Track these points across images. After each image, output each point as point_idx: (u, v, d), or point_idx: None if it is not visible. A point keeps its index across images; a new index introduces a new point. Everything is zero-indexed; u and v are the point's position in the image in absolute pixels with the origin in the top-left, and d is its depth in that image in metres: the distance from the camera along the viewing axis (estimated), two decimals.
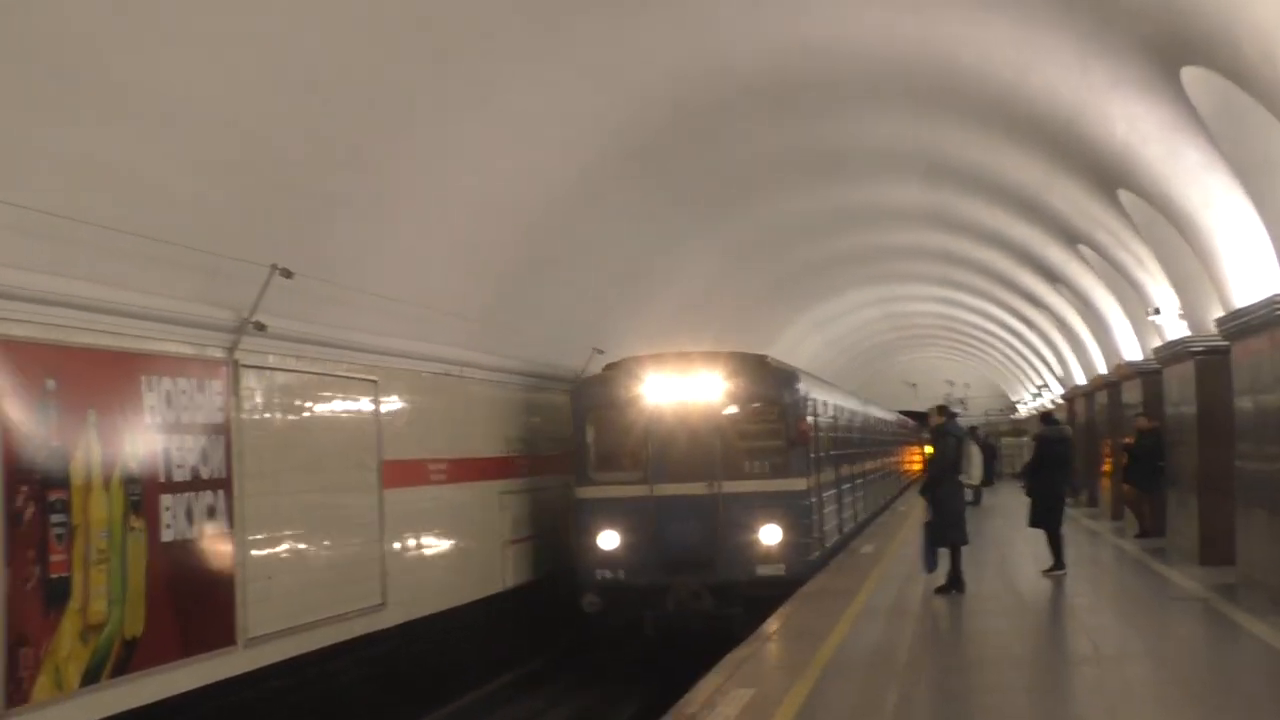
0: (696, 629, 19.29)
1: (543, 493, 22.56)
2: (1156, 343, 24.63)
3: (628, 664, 20.97)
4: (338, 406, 16.62)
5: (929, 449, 21.57)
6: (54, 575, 11.31)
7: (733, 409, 20.76)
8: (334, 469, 16.37)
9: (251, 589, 14.35)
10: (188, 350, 13.52)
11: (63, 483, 11.48)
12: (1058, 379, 46.26)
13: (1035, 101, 17.89)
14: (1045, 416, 24.15)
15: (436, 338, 19.02)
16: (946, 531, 18.96)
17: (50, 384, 11.41)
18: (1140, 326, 26.84)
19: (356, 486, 16.94)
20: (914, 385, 70.08)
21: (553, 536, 22.36)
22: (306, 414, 15.89)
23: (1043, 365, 49.28)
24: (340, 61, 13.20)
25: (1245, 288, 17.35)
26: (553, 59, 15.72)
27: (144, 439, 12.67)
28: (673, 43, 16.59)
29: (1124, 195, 19.92)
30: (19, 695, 10.86)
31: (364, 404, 17.20)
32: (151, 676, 12.63)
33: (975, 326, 52.55)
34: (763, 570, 19.92)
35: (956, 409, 50.86)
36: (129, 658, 12.29)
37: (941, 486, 19.09)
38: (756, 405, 21.04)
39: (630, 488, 20.35)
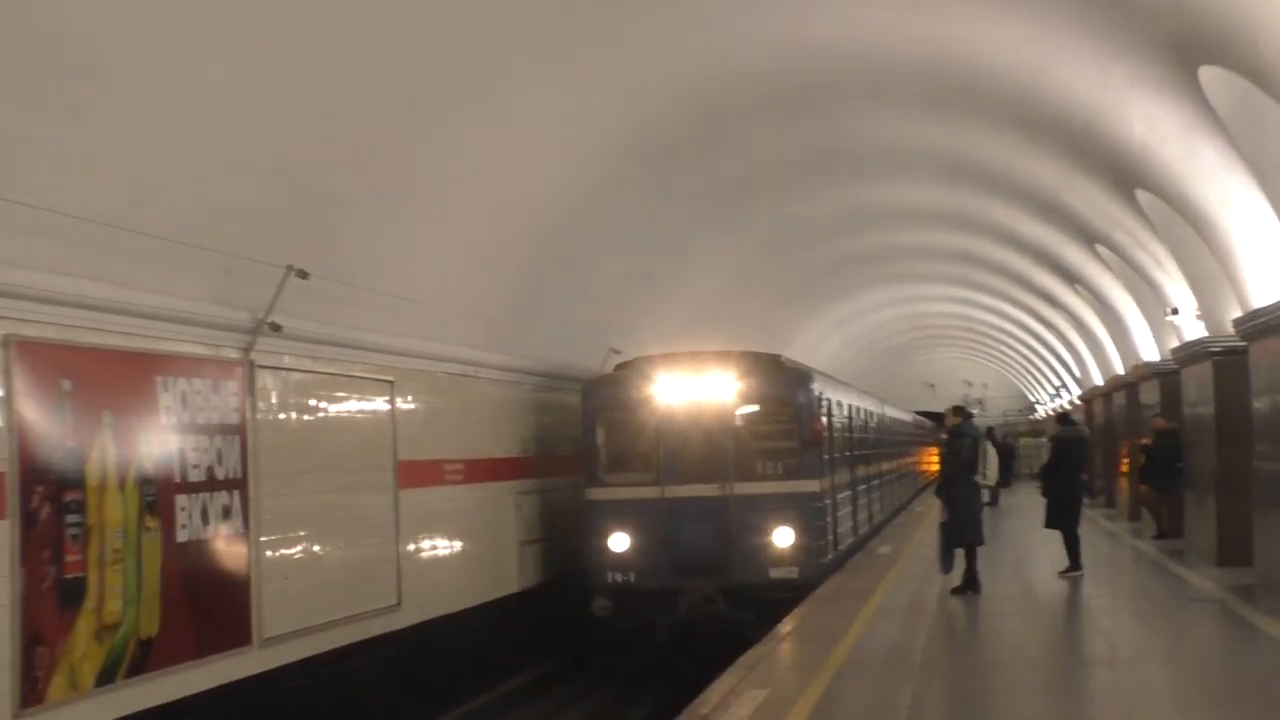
0: (709, 633, 19.00)
1: (558, 494, 22.50)
2: (1174, 343, 24.56)
3: (639, 667, 20.81)
4: (353, 407, 16.62)
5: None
6: (69, 575, 11.33)
7: (746, 409, 20.52)
8: (350, 469, 16.37)
9: (267, 589, 14.36)
10: (203, 351, 13.54)
11: (78, 483, 11.50)
12: (1075, 380, 46.16)
13: (1052, 101, 17.84)
14: (1062, 417, 24.07)
15: (452, 338, 19.02)
16: (962, 532, 18.91)
17: (66, 385, 11.42)
18: (1158, 327, 26.76)
19: (372, 487, 16.94)
20: (932, 386, 69.96)
21: (568, 538, 22.32)
22: (322, 414, 15.90)
23: (1060, 366, 49.18)
24: (354, 63, 13.21)
25: (1263, 288, 17.29)
26: (568, 60, 15.72)
27: (159, 439, 12.69)
28: (689, 44, 16.58)
29: (1142, 195, 19.86)
30: (34, 695, 10.88)
31: (380, 404, 17.21)
32: (167, 676, 12.64)
33: (993, 327, 52.45)
34: (776, 573, 19.61)
35: (974, 410, 50.77)
36: (144, 658, 12.31)
37: (957, 487, 19.05)
38: (770, 405, 20.73)
39: (641, 489, 20.03)
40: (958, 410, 19.99)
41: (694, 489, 19.84)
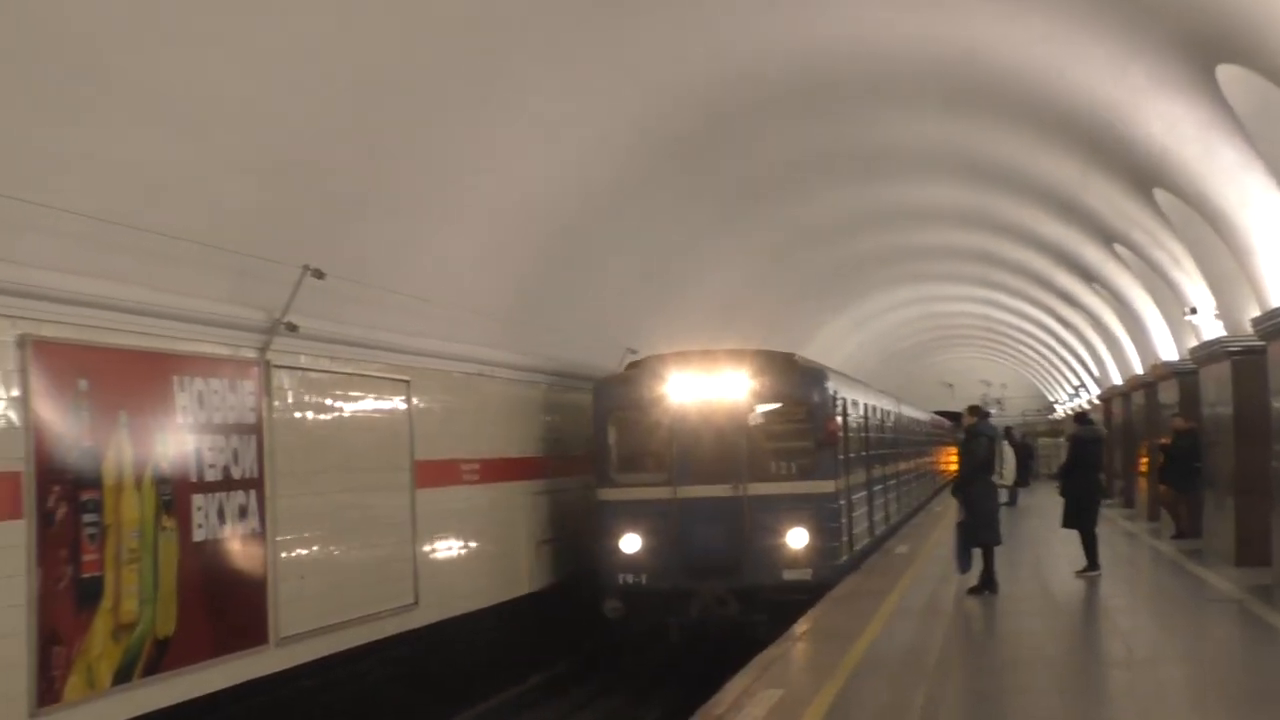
0: (721, 635, 18.82)
1: (573, 493, 22.46)
2: (1193, 343, 24.50)
3: (652, 668, 20.73)
4: (370, 406, 16.65)
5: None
6: (86, 575, 11.36)
7: (759, 409, 20.25)
8: (366, 469, 16.40)
9: (284, 588, 14.39)
10: (220, 350, 13.57)
11: (95, 482, 11.53)
12: (1094, 379, 46.06)
13: (1071, 100, 17.80)
14: (1080, 417, 24.02)
15: (468, 338, 19.04)
16: (979, 532, 18.87)
17: (82, 384, 11.46)
18: (1177, 326, 26.70)
19: (389, 486, 16.97)
20: (951, 385, 69.79)
21: (584, 538, 22.28)
22: (338, 414, 15.93)
23: (1079, 365, 49.08)
24: (367, 63, 13.22)
25: None
26: (584, 60, 15.72)
27: (176, 439, 12.72)
28: (703, 43, 16.57)
29: (1160, 194, 19.81)
30: (51, 694, 10.91)
31: (396, 404, 17.23)
32: (183, 676, 12.67)
33: (1012, 326, 52.35)
34: (789, 575, 19.38)
35: (992, 409, 50.68)
36: (161, 657, 12.34)
37: (974, 487, 19.01)
38: (784, 405, 20.49)
39: (653, 490, 19.82)
40: (974, 410, 19.94)
41: (706, 489, 19.63)
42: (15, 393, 10.75)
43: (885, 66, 18.21)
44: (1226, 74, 14.03)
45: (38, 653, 10.78)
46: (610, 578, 19.79)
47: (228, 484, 13.49)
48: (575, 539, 22.07)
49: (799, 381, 20.52)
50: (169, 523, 12.53)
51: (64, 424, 11.20)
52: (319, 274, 14.24)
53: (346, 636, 15.67)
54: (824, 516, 19.86)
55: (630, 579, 19.64)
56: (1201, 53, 14.06)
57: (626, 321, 24.65)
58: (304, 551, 14.90)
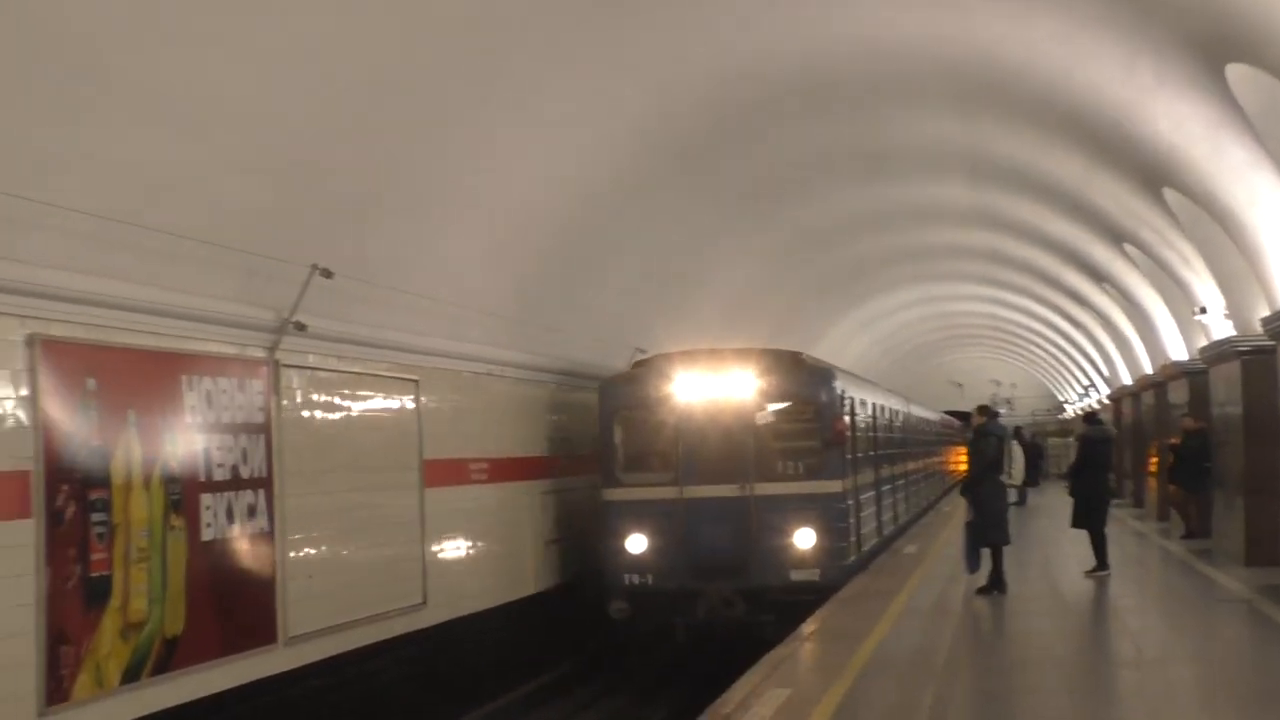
0: (728, 636, 18.64)
1: (581, 493, 22.43)
2: (1202, 342, 24.47)
3: (658, 668, 20.63)
4: (379, 406, 16.65)
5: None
6: (95, 574, 11.38)
7: (766, 408, 20.06)
8: (375, 468, 16.41)
9: (292, 587, 14.39)
10: (228, 350, 13.58)
11: (103, 482, 11.54)
12: (1104, 379, 46.01)
13: (1079, 99, 17.79)
14: (1089, 416, 23.98)
15: (477, 337, 19.05)
16: (988, 532, 18.83)
17: (91, 383, 11.47)
18: (1186, 326, 26.66)
19: (398, 486, 16.98)
20: (960, 385, 69.75)
21: (592, 538, 22.25)
22: (347, 413, 15.94)
23: (1089, 365, 49.03)
24: (377, 64, 13.23)
25: None
26: (590, 60, 15.72)
27: (184, 438, 12.73)
28: (715, 42, 16.57)
29: (1169, 193, 19.78)
30: (60, 693, 10.93)
31: (405, 403, 17.24)
32: (192, 675, 12.68)
33: (1022, 326, 52.32)
34: (796, 575, 19.17)
35: (1002, 409, 50.54)
36: (169, 656, 12.35)
37: (983, 486, 18.98)
38: (791, 404, 20.32)
39: (659, 489, 19.64)
40: (983, 409, 19.91)
41: (713, 489, 19.47)
42: (24, 392, 10.78)
43: (893, 66, 18.20)
44: (1236, 73, 14.01)
45: (46, 652, 10.80)
46: (616, 578, 19.64)
47: (236, 483, 13.50)
48: (583, 539, 22.04)
49: (806, 380, 20.32)
50: (178, 522, 12.55)
51: (72, 423, 11.22)
52: (327, 273, 14.25)
53: (355, 636, 15.67)
54: (831, 516, 19.65)
55: (636, 580, 19.48)
56: (1210, 51, 14.04)
57: (634, 321, 24.66)
58: (312, 551, 14.90)
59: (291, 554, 14.43)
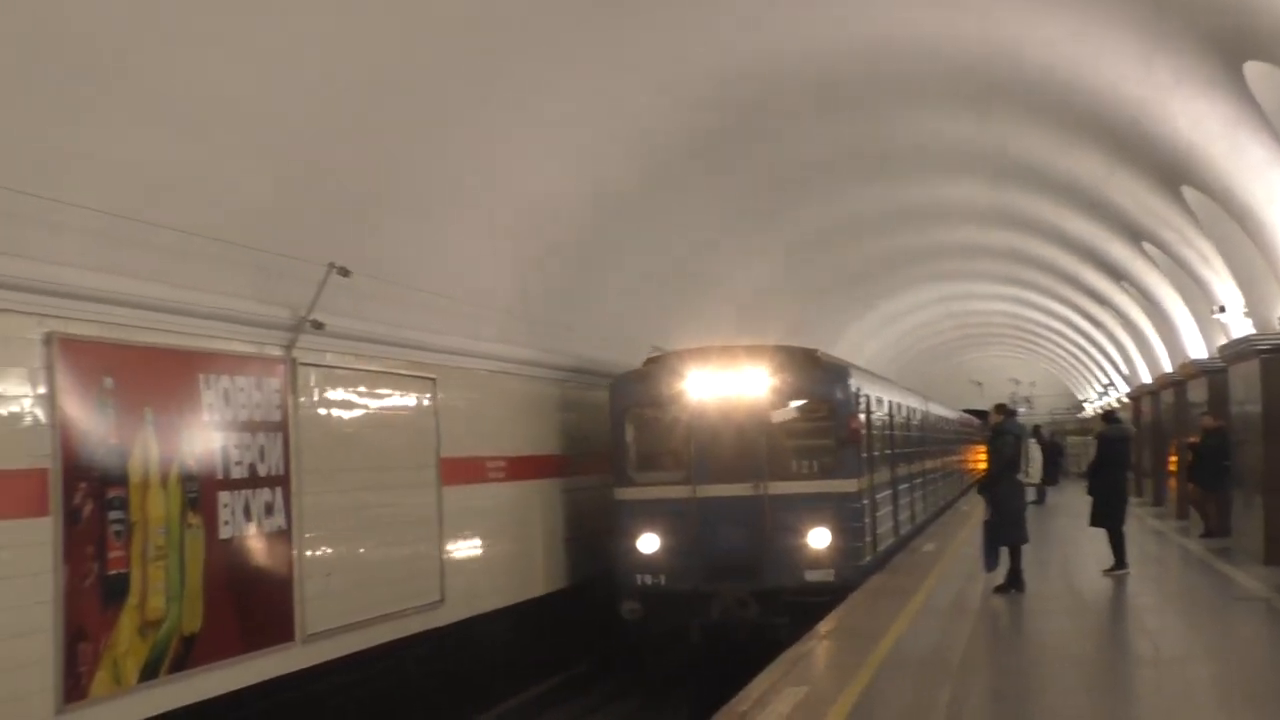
0: (742, 637, 18.43)
1: (598, 491, 22.35)
2: (1221, 341, 24.39)
3: (671, 669, 20.36)
4: (396, 404, 16.68)
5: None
6: (112, 571, 11.41)
7: (780, 406, 19.67)
8: (392, 466, 16.43)
9: (309, 585, 14.42)
10: (246, 348, 13.61)
11: (121, 480, 11.58)
12: (1124, 377, 45.91)
13: (1097, 97, 17.76)
14: (1107, 415, 23.93)
15: (492, 335, 19.06)
16: (1006, 530, 18.79)
17: (108, 382, 11.51)
18: (1205, 324, 26.59)
19: (415, 484, 16.99)
20: (979, 384, 69.65)
21: (609, 536, 22.21)
22: (364, 411, 15.97)
23: (1108, 364, 48.93)
24: (381, 63, 13.25)
25: None
26: (606, 58, 15.73)
27: (202, 436, 12.76)
28: (730, 41, 16.57)
29: (1188, 192, 19.74)
30: (78, 690, 10.97)
31: (422, 401, 17.26)
32: (210, 672, 12.71)
33: (1041, 324, 52.23)
34: (811, 576, 18.89)
35: (1021, 408, 50.45)
36: (187, 653, 12.38)
37: (1000, 485, 18.94)
38: (805, 402, 19.91)
39: (672, 489, 19.39)
40: (1000, 408, 19.85)
41: (726, 488, 19.21)
42: (42, 390, 10.82)
43: (910, 65, 18.19)
44: (1254, 71, 13.98)
45: (64, 649, 10.84)
46: (628, 578, 19.42)
47: (254, 481, 13.53)
48: (600, 537, 21.98)
49: (821, 378, 20.00)
50: (195, 520, 12.58)
51: (90, 421, 11.25)
52: (344, 271, 14.28)
53: (373, 634, 15.69)
54: (846, 516, 19.35)
55: (648, 580, 19.27)
56: (1228, 49, 14.01)
57: (651, 319, 24.66)
58: (330, 549, 14.92)
59: (309, 552, 14.46)
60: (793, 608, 18.40)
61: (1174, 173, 19.32)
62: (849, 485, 19.55)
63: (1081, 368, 59.98)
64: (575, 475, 21.96)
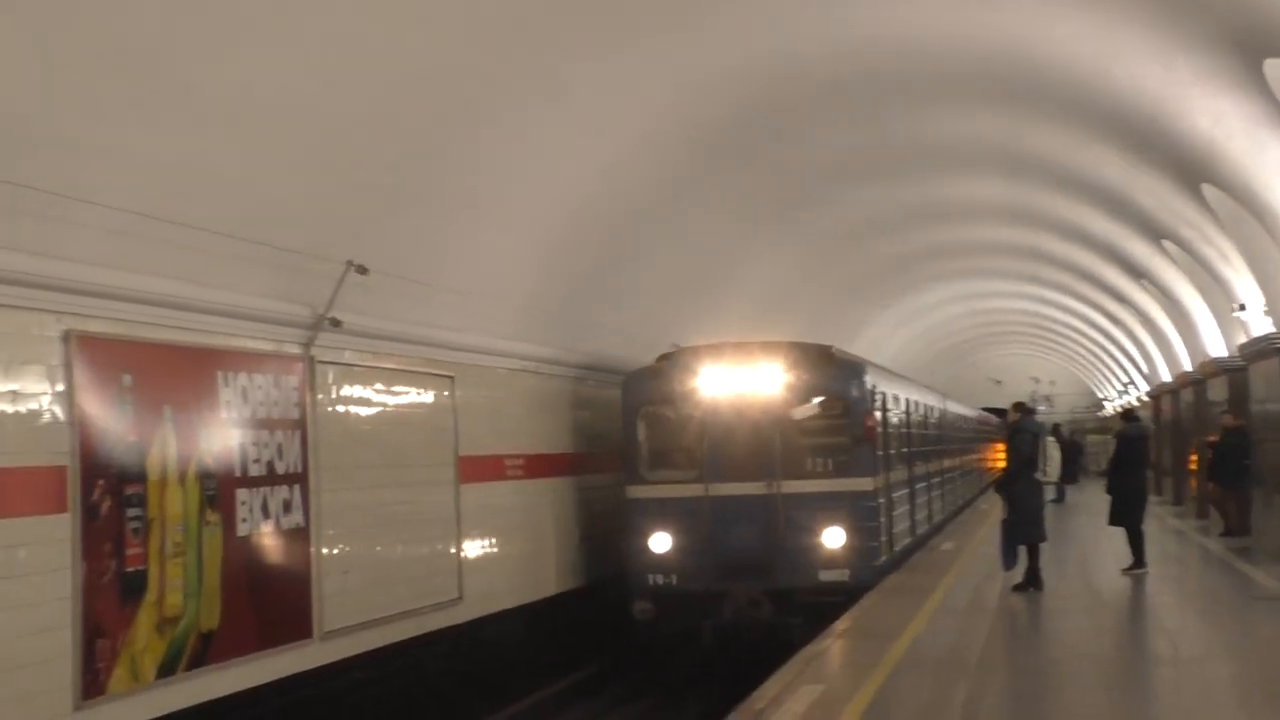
0: (755, 638, 18.25)
1: (616, 489, 22.34)
2: (1242, 339, 24.32)
3: (685, 668, 20.33)
4: (414, 401, 16.70)
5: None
6: (130, 568, 11.45)
7: (794, 403, 19.35)
8: (410, 464, 16.46)
9: (327, 583, 14.45)
10: (264, 346, 13.64)
11: (139, 477, 11.61)
12: (1144, 376, 45.81)
13: (1117, 95, 17.70)
14: (1126, 414, 23.89)
15: (511, 333, 19.07)
16: (1024, 529, 18.74)
17: (127, 379, 11.54)
18: (1225, 322, 26.51)
19: (433, 481, 17.01)
20: (999, 382, 69.47)
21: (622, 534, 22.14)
22: (383, 409, 15.99)
23: (1128, 362, 48.82)
24: (408, 59, 13.25)
25: None
26: (626, 56, 15.71)
27: (220, 434, 12.79)
28: (750, 39, 16.54)
29: (1208, 189, 19.67)
30: (95, 687, 11.00)
31: (440, 399, 17.28)
32: (227, 669, 12.74)
33: (1060, 323, 52.12)
34: (825, 576, 18.66)
35: (1041, 406, 50.29)
36: (205, 650, 12.41)
37: (1018, 484, 18.89)
38: (820, 399, 19.54)
39: (684, 487, 19.17)
40: (1019, 406, 19.81)
41: (739, 487, 18.99)
42: (60, 387, 10.85)
43: (929, 63, 18.14)
44: (1274, 68, 13.94)
45: (82, 646, 10.87)
46: (640, 578, 19.20)
47: (271, 479, 13.56)
48: (614, 536, 21.93)
49: (836, 375, 19.74)
50: (213, 517, 12.61)
51: (108, 419, 11.29)
52: (362, 269, 14.30)
53: (391, 631, 15.71)
54: (862, 515, 19.12)
55: (660, 579, 19.03)
56: (1249, 47, 13.96)
57: (670, 317, 24.65)
58: (348, 546, 14.94)
59: (327, 549, 14.48)
60: (807, 608, 18.24)
61: (1194, 170, 19.26)
62: (864, 484, 19.31)
63: (1101, 366, 59.83)
64: (595, 472, 21.90)
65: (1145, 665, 14.01)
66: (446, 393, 17.39)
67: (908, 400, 25.38)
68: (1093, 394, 71.41)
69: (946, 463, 34.15)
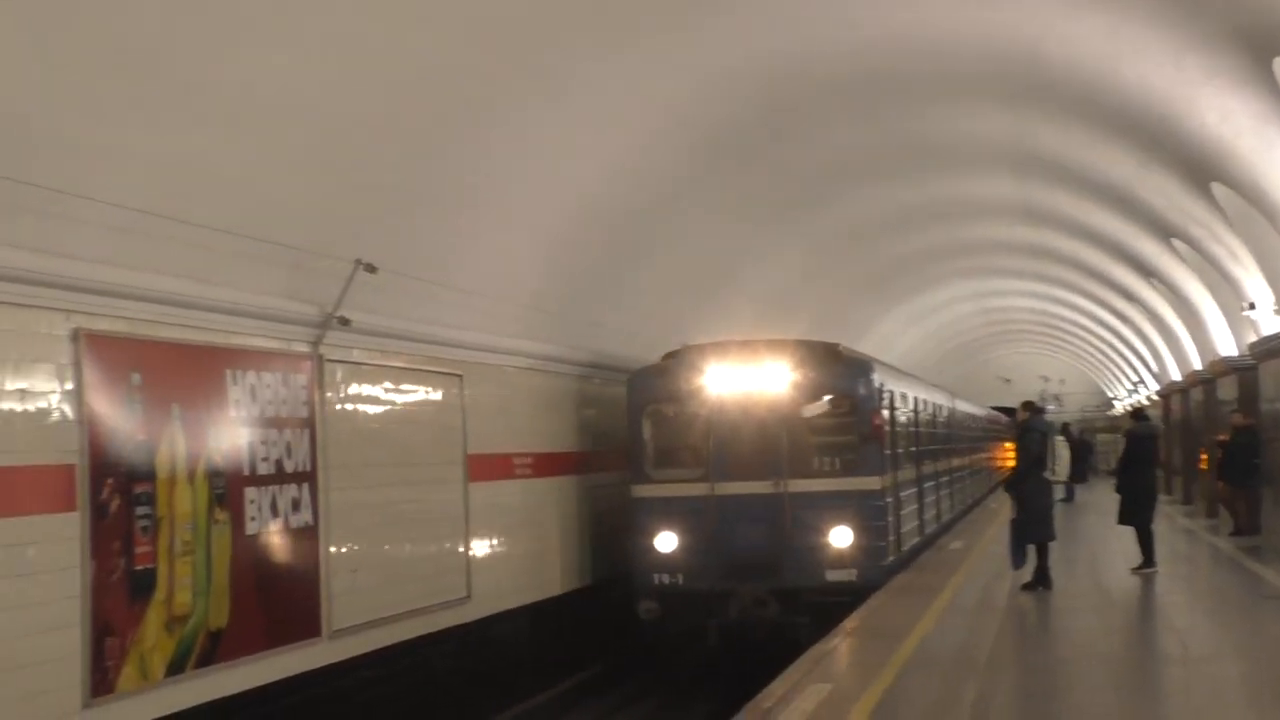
0: (761, 638, 18.17)
1: (620, 487, 22.29)
2: (1251, 338, 24.29)
3: (691, 668, 20.24)
4: (423, 400, 16.71)
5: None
6: (139, 567, 11.45)
7: (801, 401, 19.23)
8: (419, 462, 16.46)
9: (336, 581, 14.45)
10: (272, 344, 13.64)
11: (148, 475, 11.61)
12: (1153, 375, 45.77)
13: (1126, 94, 17.68)
14: (1135, 413, 23.87)
15: (519, 332, 19.06)
16: (1033, 528, 18.72)
17: (135, 378, 11.54)
18: (1235, 321, 26.48)
19: (442, 480, 17.01)
20: (1009, 381, 69.40)
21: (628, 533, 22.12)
22: (391, 407, 15.99)
23: (1138, 361, 48.77)
24: (416, 60, 13.25)
25: None
26: (629, 55, 15.70)
27: (228, 432, 12.79)
28: (759, 38, 16.53)
29: (1217, 188, 19.65)
30: (104, 685, 11.01)
31: (449, 397, 17.28)
32: (236, 668, 12.75)
33: (1070, 321, 52.10)
34: (832, 575, 18.56)
35: (1051, 405, 50.19)
36: (214, 649, 12.41)
37: (1027, 483, 18.86)
38: (827, 397, 19.49)
39: (690, 486, 19.05)
40: (1027, 405, 19.78)
41: (746, 486, 18.89)
42: (69, 386, 10.86)
43: (939, 62, 18.12)
44: None
45: (91, 644, 10.87)
46: (645, 577, 19.09)
47: (280, 477, 13.57)
48: (620, 535, 21.89)
49: (843, 373, 19.58)
50: (222, 515, 12.62)
51: (117, 417, 11.29)
52: (371, 268, 14.30)
53: (399, 630, 15.72)
54: (869, 514, 18.97)
55: (666, 579, 18.93)
56: (1258, 45, 13.95)
57: (679, 316, 24.64)
58: (356, 545, 14.94)
59: (335, 548, 14.48)
60: (813, 608, 18.15)
61: (1203, 169, 19.23)
62: (872, 483, 19.20)
63: (1111, 365, 59.79)
64: (603, 471, 21.85)
65: (1155, 664, 14.00)
66: (455, 391, 17.39)
67: (916, 398, 25.28)
68: (1102, 393, 71.35)
69: (955, 461, 34.07)
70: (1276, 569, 20.27)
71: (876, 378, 20.05)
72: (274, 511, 13.44)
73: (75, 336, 10.93)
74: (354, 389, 15.18)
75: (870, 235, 30.16)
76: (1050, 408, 50.93)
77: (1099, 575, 21.05)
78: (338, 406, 14.78)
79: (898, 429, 21.94)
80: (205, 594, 12.30)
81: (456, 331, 17.22)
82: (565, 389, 21.16)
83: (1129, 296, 36.86)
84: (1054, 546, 19.26)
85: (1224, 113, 16.35)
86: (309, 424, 14.13)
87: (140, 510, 11.49)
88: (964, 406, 39.41)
